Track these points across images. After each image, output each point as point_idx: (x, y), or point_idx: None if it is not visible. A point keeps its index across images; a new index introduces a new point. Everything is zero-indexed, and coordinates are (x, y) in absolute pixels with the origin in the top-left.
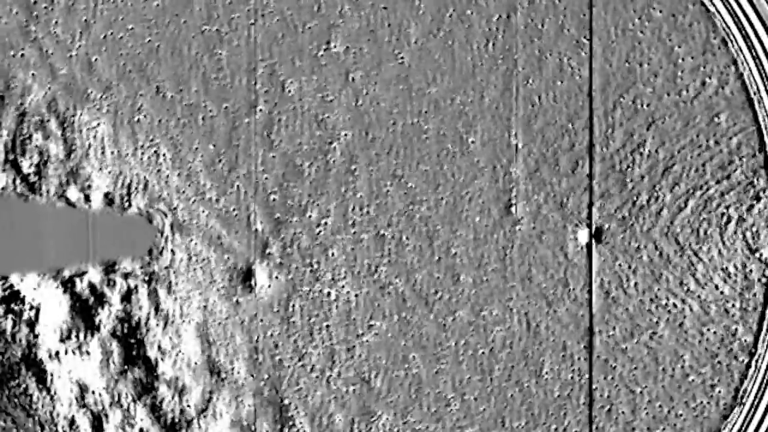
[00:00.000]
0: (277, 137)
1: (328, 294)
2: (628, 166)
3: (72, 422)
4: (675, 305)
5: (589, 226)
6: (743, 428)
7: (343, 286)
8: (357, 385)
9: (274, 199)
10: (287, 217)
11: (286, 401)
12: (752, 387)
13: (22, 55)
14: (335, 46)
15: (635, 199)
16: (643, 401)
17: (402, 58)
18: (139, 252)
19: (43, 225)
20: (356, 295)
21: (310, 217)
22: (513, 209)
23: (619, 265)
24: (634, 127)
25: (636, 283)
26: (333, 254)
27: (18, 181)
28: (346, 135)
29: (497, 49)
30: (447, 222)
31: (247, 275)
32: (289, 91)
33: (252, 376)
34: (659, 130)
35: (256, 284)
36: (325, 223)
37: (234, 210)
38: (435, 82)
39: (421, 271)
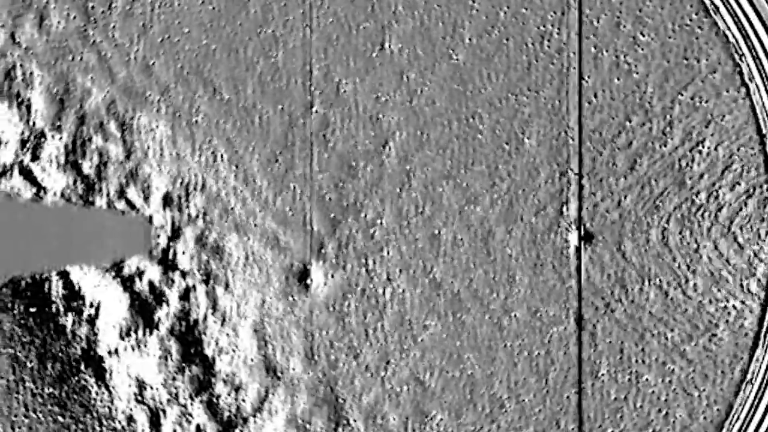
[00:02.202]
0: (332, 138)
1: (383, 293)
2: (687, 164)
3: (130, 418)
4: (735, 307)
5: (579, 228)
6: (743, 428)
7: (398, 286)
8: (411, 384)
9: (329, 199)
10: (342, 217)
11: (341, 400)
12: (752, 387)
13: (81, 59)
14: (389, 47)
15: (694, 198)
16: (701, 405)
17: (456, 57)
18: (139, 251)
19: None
20: (411, 295)
21: (365, 216)
22: (569, 208)
23: (678, 265)
24: (692, 125)
25: (695, 284)
26: (388, 254)
27: (78, 182)
28: (400, 135)
29: (552, 47)
30: (502, 222)
31: (303, 274)
32: (344, 92)
33: (307, 374)
34: (718, 128)
35: (311, 283)
36: (380, 223)
37: (290, 210)
38: (490, 81)
39: (477, 271)
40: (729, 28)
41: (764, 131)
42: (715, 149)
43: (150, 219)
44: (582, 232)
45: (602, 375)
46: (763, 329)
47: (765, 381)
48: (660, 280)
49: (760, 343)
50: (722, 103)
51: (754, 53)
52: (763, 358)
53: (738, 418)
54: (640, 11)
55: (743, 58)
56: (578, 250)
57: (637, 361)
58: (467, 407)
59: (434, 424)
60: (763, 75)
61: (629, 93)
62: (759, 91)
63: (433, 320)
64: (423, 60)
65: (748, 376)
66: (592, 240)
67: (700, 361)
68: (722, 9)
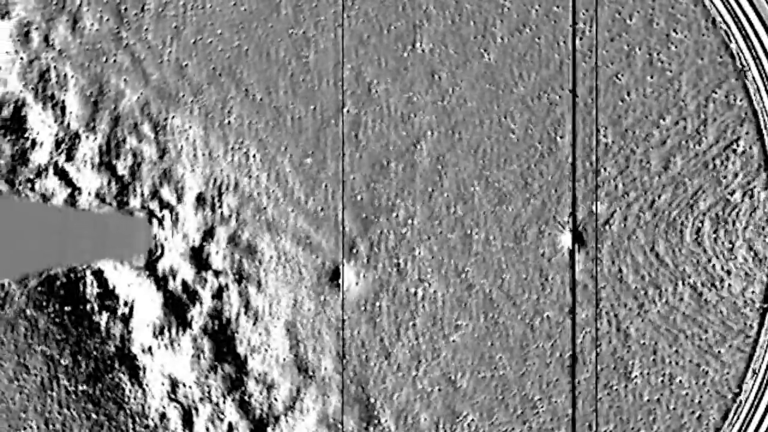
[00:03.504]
0: (363, 138)
1: (415, 293)
2: (722, 163)
3: (163, 416)
4: None
5: (573, 230)
6: (743, 428)
7: (429, 286)
8: (443, 384)
9: (361, 199)
10: (374, 217)
11: (372, 399)
12: (752, 387)
13: (115, 60)
14: (421, 46)
15: (729, 197)
16: (735, 407)
17: (488, 56)
18: (139, 251)
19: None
20: (443, 295)
21: (396, 216)
22: (602, 208)
23: (713, 266)
24: (727, 123)
25: (730, 285)
26: (420, 254)
27: (113, 183)
28: (432, 135)
29: (584, 45)
30: (535, 222)
31: (335, 274)
32: (376, 92)
33: (339, 373)
34: (753, 126)
35: (343, 283)
36: (412, 223)
37: (322, 210)
38: (522, 80)
39: (509, 271)
40: (729, 28)
41: (764, 131)
42: (750, 148)
43: (150, 219)
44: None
45: (635, 377)
46: (764, 329)
47: (765, 380)
48: (694, 281)
49: (760, 342)
50: (757, 102)
51: (754, 53)
52: (763, 358)
53: (738, 417)
54: (673, 8)
55: (743, 59)
56: (572, 252)
57: (670, 362)
58: (499, 408)
59: (465, 425)
60: (763, 75)
61: (663, 91)
62: (759, 91)
63: (464, 320)
64: (454, 59)
65: (748, 375)
66: (584, 243)
67: (734, 363)
68: (722, 9)
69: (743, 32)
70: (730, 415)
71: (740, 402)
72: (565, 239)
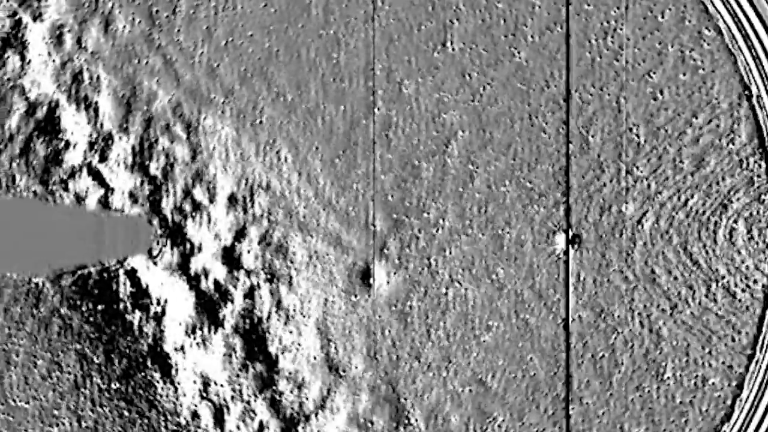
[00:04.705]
0: (394, 137)
1: (446, 293)
2: (755, 162)
3: (194, 414)
4: None
5: (566, 231)
6: (743, 428)
7: (460, 286)
8: (473, 385)
9: (392, 199)
10: (405, 217)
11: (403, 399)
12: (752, 387)
13: (147, 62)
14: (451, 45)
15: (763, 196)
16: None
17: (519, 55)
18: (140, 251)
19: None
20: (474, 295)
21: (427, 216)
22: (635, 207)
23: (746, 266)
24: (761, 122)
25: (764, 285)
26: (450, 254)
27: (145, 183)
28: (463, 134)
29: (616, 43)
30: (566, 221)
31: (366, 274)
32: (406, 92)
33: (369, 373)
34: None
35: (374, 283)
36: (443, 223)
37: (353, 209)
38: (553, 79)
39: (540, 270)
40: (729, 28)
41: (765, 132)
42: None
43: (150, 220)
44: (570, 236)
45: (667, 378)
46: (763, 330)
47: (765, 381)
48: (727, 282)
49: (759, 343)
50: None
51: (754, 53)
52: (762, 359)
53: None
54: (702, 5)
55: (745, 63)
56: (566, 253)
57: (703, 364)
58: (529, 409)
59: (496, 426)
60: (763, 75)
61: (695, 89)
62: (759, 91)
63: (495, 320)
64: (485, 58)
65: (749, 374)
66: (580, 243)
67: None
68: (722, 9)
69: (743, 32)
70: (734, 414)
71: (741, 400)
72: (560, 241)
